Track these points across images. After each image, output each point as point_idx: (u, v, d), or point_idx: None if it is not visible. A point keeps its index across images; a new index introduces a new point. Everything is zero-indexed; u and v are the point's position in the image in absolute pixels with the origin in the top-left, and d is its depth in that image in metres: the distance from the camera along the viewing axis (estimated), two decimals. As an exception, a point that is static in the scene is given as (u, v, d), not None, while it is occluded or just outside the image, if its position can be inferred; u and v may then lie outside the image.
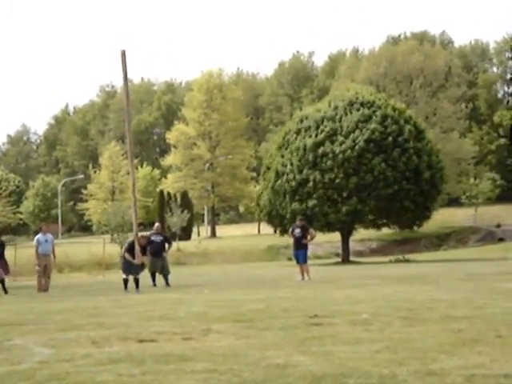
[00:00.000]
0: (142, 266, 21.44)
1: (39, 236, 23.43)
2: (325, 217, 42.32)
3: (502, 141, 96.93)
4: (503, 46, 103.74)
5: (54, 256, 23.74)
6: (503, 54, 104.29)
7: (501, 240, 62.01)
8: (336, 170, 42.04)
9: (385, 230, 50.65)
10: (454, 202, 75.23)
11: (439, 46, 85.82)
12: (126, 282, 21.13)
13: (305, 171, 42.62)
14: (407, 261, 41.19)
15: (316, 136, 43.15)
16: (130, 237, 23.10)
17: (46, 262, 23.11)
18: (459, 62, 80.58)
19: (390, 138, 42.60)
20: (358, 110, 43.67)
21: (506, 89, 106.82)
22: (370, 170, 42.03)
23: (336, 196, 42.56)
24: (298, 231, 24.26)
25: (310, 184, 42.24)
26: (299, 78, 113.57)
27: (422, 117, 65.21)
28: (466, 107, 76.03)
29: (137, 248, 21.12)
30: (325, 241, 52.12)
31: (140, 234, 22.33)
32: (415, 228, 48.22)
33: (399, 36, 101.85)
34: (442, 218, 62.17)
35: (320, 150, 42.56)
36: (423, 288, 17.32)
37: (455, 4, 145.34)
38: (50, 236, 23.74)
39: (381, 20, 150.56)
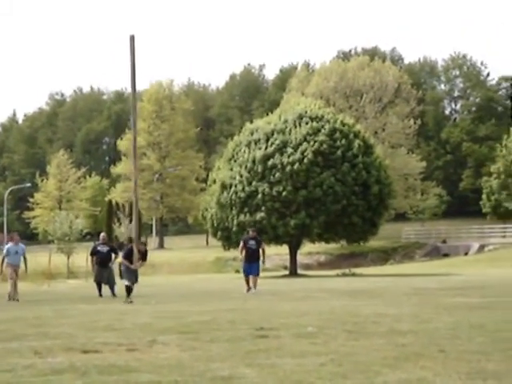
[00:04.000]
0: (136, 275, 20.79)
1: (9, 246, 22.57)
2: (274, 229, 42.36)
3: (449, 157, 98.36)
4: (450, 64, 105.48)
5: (26, 268, 23.12)
6: (450, 72, 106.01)
7: (446, 255, 62.78)
8: (285, 183, 42.16)
9: (332, 244, 50.90)
10: (401, 216, 75.99)
11: (389, 62, 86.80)
12: (129, 289, 20.25)
13: (254, 183, 42.67)
14: (354, 275, 41.44)
15: (266, 148, 43.26)
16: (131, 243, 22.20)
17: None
18: (408, 79, 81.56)
19: (339, 153, 42.85)
20: (307, 123, 43.90)
21: (453, 106, 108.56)
22: (319, 183, 42.21)
23: (284, 209, 42.63)
24: (252, 243, 24.03)
25: (259, 196, 42.28)
26: (250, 91, 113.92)
27: (371, 132, 65.82)
28: (415, 123, 76.85)
29: (135, 253, 20.45)
30: (273, 253, 52.20)
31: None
32: (362, 243, 48.56)
33: (350, 51, 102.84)
34: (389, 232, 62.77)
35: (269, 163, 42.65)
36: (369, 302, 17.44)
37: (405, 21, 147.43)
38: (21, 246, 22.75)
39: (332, 35, 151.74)
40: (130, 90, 21.88)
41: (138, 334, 10.54)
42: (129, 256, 20.54)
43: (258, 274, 23.78)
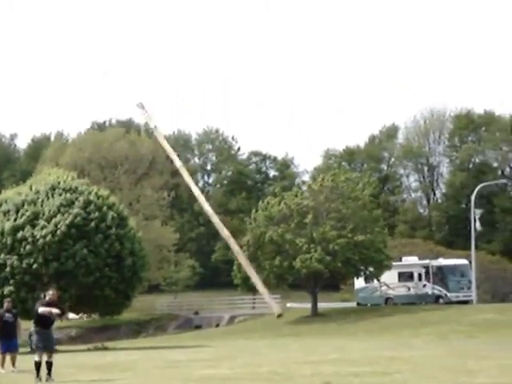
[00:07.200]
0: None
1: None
2: (23, 303, 40.79)
3: (202, 229, 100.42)
4: (204, 138, 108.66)
5: None
6: (204, 146, 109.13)
7: (198, 327, 63.57)
8: (35, 255, 40.96)
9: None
10: (155, 288, 76.08)
11: (144, 134, 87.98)
12: (38, 365, 16.94)
13: (2, 256, 41.12)
14: (106, 348, 40.80)
15: (15, 220, 41.93)
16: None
17: None
18: (163, 152, 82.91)
19: (93, 224, 42.40)
20: (61, 194, 43.15)
21: (206, 178, 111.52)
22: (72, 255, 41.41)
23: (34, 282, 41.31)
24: (9, 315, 22.73)
25: (8, 269, 40.77)
26: (0, 160, 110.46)
27: (126, 203, 65.86)
28: (169, 195, 77.93)
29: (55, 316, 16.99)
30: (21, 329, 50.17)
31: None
32: (114, 316, 47.99)
33: (105, 123, 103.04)
34: (142, 304, 62.65)
35: (19, 234, 41.33)
36: (119, 376, 17.28)
37: (159, 95, 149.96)
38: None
39: (86, 106, 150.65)
40: None
41: None
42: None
43: (16, 350, 22.39)
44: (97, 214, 42.80)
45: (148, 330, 63.40)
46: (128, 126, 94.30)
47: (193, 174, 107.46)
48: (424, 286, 57.11)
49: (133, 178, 76.49)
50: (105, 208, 43.58)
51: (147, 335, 60.53)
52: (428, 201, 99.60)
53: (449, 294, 55.67)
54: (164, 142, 14.08)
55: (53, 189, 43.82)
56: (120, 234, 43.30)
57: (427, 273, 57.02)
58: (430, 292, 56.73)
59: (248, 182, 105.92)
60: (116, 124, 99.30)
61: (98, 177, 72.83)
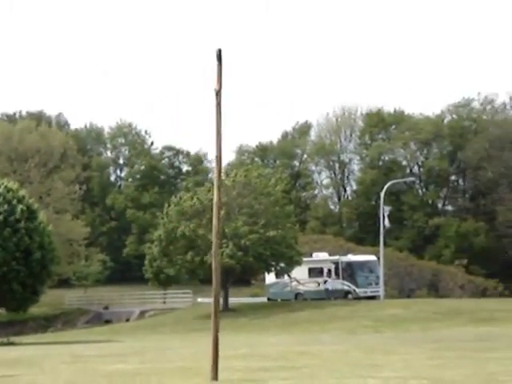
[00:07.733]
0: None
1: None
2: None
3: (114, 223, 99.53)
4: (117, 132, 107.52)
5: None
6: (116, 140, 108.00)
7: (108, 322, 63.03)
8: None
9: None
10: (64, 282, 75.04)
11: (55, 127, 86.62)
12: None
13: None
14: (13, 344, 40.10)
15: None
16: None
17: None
18: (74, 145, 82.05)
19: (1, 218, 41.69)
20: (-31, 187, 42.29)
21: (118, 173, 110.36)
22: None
23: None
24: None
25: None
26: None
27: (36, 197, 64.71)
28: (80, 189, 77.03)
29: None
30: None
31: None
32: (22, 312, 47.20)
33: (15, 114, 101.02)
34: (51, 299, 61.76)
35: None
36: (26, 372, 17.05)
37: (71, 87, 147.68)
38: None
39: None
40: None
41: None
42: None
43: None
44: (6, 207, 42.10)
45: (56, 324, 62.53)
46: (39, 118, 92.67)
47: (105, 167, 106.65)
48: (325, 282, 57.85)
49: (43, 170, 75.25)
50: (14, 201, 42.87)
51: (55, 330, 59.71)
52: (339, 197, 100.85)
53: (357, 290, 56.62)
54: (218, 113, 12.16)
55: (-41, 181, 42.89)
56: (29, 227, 42.65)
57: (337, 269, 57.82)
58: (330, 288, 57.40)
59: (161, 177, 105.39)
60: (26, 116, 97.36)
61: (8, 169, 71.43)
